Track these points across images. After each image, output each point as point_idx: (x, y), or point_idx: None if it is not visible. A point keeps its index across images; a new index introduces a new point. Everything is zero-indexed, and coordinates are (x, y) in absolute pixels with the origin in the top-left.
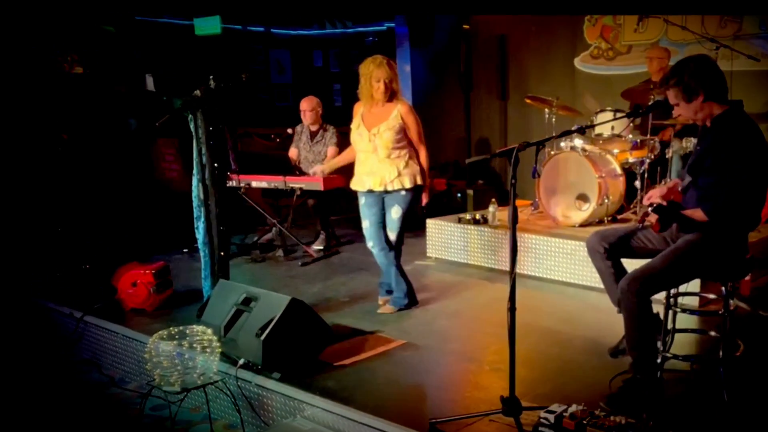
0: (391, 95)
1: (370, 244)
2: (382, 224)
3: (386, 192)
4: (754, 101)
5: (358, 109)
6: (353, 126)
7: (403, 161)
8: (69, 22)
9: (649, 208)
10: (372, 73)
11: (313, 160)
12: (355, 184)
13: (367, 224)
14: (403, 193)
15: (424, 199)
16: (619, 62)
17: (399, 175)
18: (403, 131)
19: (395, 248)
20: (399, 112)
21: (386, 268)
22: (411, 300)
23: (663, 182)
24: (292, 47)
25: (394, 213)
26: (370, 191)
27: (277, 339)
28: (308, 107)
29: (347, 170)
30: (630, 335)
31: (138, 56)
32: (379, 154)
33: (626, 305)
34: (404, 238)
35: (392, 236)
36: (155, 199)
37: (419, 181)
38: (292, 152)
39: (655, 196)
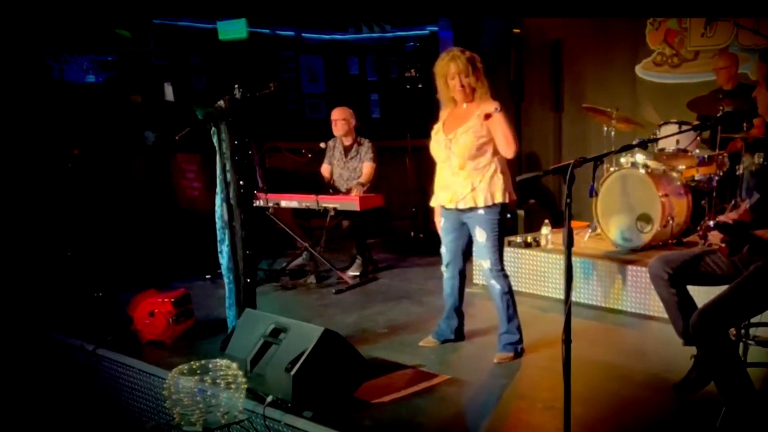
0: (475, 94)
1: (443, 268)
2: (462, 253)
3: (460, 211)
4: None
5: (443, 115)
6: (433, 132)
7: (481, 175)
8: (79, 26)
9: (710, 222)
10: (445, 70)
11: (348, 178)
12: (433, 200)
13: (443, 250)
14: (481, 212)
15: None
16: (685, 70)
17: (473, 190)
18: (487, 135)
19: (500, 279)
20: (482, 110)
21: (447, 299)
22: (458, 336)
23: (733, 202)
24: (325, 53)
25: (480, 237)
26: (445, 209)
27: (309, 374)
28: (339, 116)
29: (384, 188)
30: (716, 375)
31: (156, 63)
32: (452, 164)
33: (703, 344)
34: (506, 272)
35: (486, 265)
36: (174, 220)
37: (500, 199)
38: (325, 169)
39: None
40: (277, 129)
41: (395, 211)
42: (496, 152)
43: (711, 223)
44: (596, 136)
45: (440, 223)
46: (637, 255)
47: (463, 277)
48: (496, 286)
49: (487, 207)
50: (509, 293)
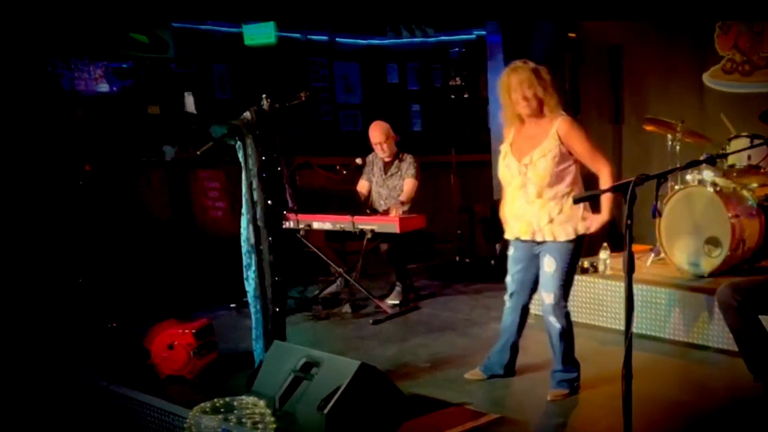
0: (543, 108)
1: (506, 297)
2: (529, 286)
3: (536, 242)
4: None
5: (508, 133)
6: (500, 156)
7: (559, 205)
8: (90, 30)
9: None
10: (506, 83)
11: (387, 196)
12: (507, 232)
13: (508, 280)
14: (561, 246)
15: (590, 226)
16: (758, 78)
17: (550, 222)
18: (566, 158)
19: (561, 317)
20: (557, 130)
21: (504, 332)
22: (507, 371)
23: None
24: (362, 60)
25: (548, 266)
26: (518, 240)
27: (344, 413)
28: (381, 137)
29: (426, 208)
30: None
31: (175, 71)
32: (528, 192)
33: None
34: (568, 309)
35: (548, 299)
36: (196, 243)
37: (581, 230)
38: (362, 186)
39: None
40: (309, 143)
41: (438, 233)
42: (576, 180)
43: None
44: (659, 151)
45: (510, 252)
46: (704, 282)
47: (526, 311)
48: (555, 324)
49: (568, 241)
50: (569, 333)
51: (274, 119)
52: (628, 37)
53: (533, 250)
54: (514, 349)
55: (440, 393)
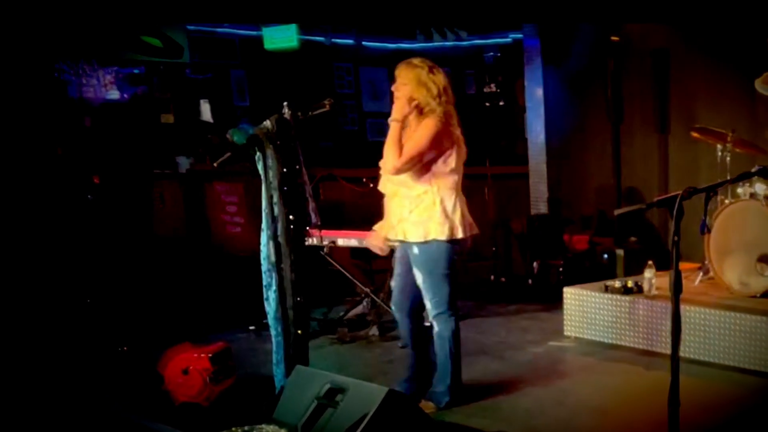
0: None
1: (393, 307)
2: (409, 283)
3: (403, 242)
4: None
5: None
6: None
7: (413, 205)
8: (99, 33)
9: None
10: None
11: None
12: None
13: (391, 282)
14: (415, 250)
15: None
16: None
17: (400, 221)
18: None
19: (441, 321)
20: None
21: (409, 343)
22: (412, 388)
23: None
24: (390, 65)
25: (417, 277)
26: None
27: None
28: None
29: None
30: None
31: (191, 77)
32: (387, 189)
33: None
34: (451, 314)
35: (428, 306)
36: (212, 261)
37: (435, 235)
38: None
39: None
40: (333, 154)
41: (472, 250)
42: (438, 181)
43: None
44: (708, 163)
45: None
46: (756, 302)
47: (416, 319)
48: (435, 327)
49: (420, 244)
50: (450, 338)
51: (296, 128)
52: (675, 41)
53: (406, 251)
54: (419, 367)
55: (473, 421)
